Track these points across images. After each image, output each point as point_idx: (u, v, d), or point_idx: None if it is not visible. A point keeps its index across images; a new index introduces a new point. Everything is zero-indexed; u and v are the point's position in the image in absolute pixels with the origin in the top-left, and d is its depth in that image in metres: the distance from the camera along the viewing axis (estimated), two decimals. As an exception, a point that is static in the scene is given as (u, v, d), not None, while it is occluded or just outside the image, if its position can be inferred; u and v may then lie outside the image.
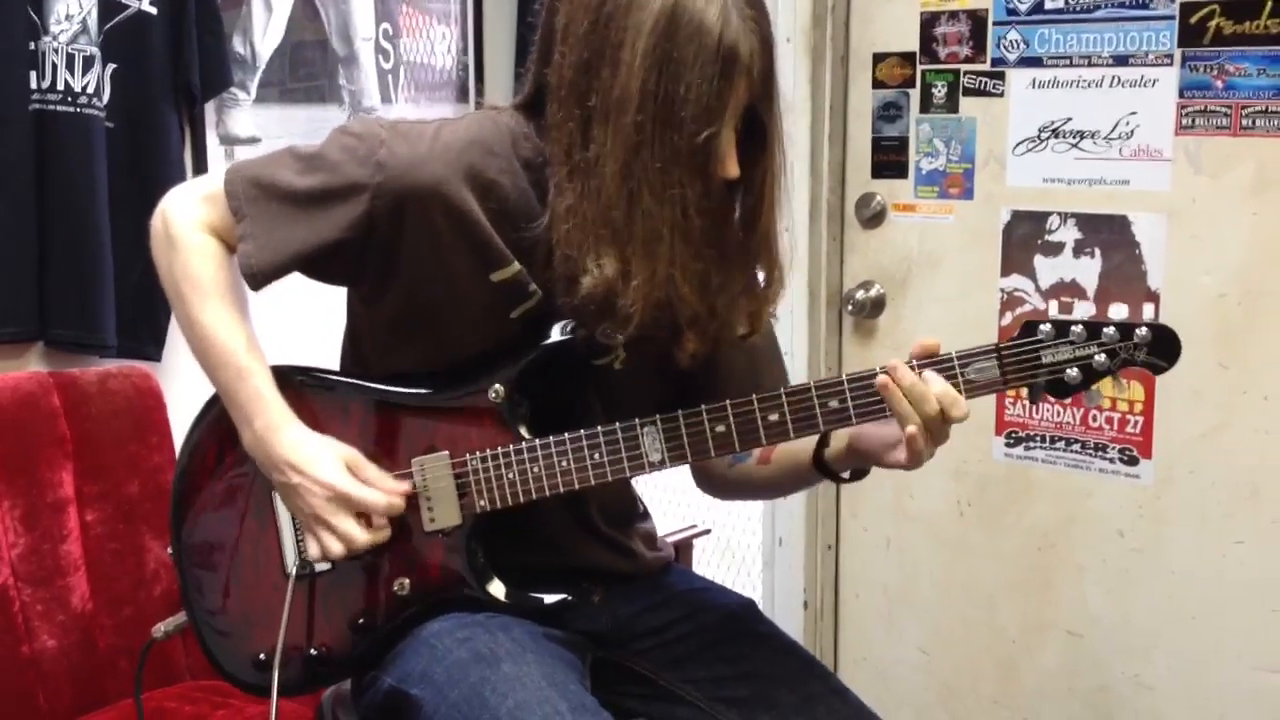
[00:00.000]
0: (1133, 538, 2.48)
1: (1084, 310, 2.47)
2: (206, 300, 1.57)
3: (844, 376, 1.52)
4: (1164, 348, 1.50)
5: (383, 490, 1.55)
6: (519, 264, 1.55)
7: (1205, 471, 2.39)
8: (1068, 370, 1.50)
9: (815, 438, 1.63)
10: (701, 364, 1.59)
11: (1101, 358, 1.50)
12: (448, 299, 1.56)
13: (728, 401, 1.53)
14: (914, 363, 1.51)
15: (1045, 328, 1.50)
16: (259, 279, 1.56)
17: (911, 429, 1.49)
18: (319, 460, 1.54)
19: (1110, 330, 1.49)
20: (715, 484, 1.80)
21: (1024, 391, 1.55)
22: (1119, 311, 2.41)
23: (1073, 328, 1.50)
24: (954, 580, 2.70)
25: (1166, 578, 2.45)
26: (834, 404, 1.52)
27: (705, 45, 1.41)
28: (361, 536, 1.55)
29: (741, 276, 1.56)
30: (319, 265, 1.57)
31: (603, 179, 1.44)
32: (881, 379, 1.50)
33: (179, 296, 1.59)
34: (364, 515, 1.55)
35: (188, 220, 1.58)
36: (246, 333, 1.58)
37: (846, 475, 1.67)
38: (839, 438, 1.63)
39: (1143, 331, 1.49)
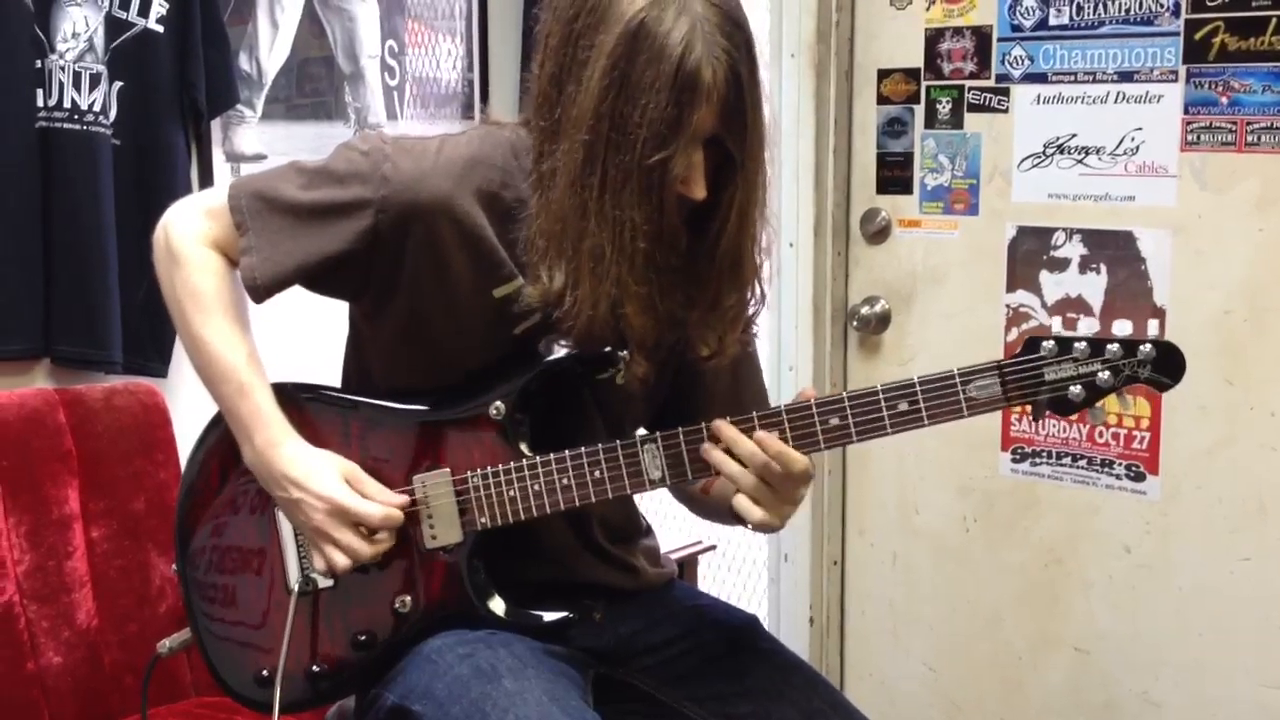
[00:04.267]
0: (1139, 554, 2.47)
1: (1089, 326, 2.46)
2: (208, 315, 1.57)
3: (844, 394, 1.52)
4: (1168, 365, 1.48)
5: (381, 503, 1.56)
6: (522, 278, 1.55)
7: (1212, 487, 2.39)
8: (1071, 387, 1.49)
9: None
10: (688, 382, 1.60)
11: (1105, 375, 1.48)
12: (450, 314, 1.56)
13: (728, 419, 1.53)
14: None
15: (1048, 344, 1.49)
16: (261, 292, 1.56)
17: (740, 496, 1.51)
18: (318, 474, 1.55)
19: (1114, 347, 1.48)
20: (679, 494, 1.80)
21: (1028, 408, 1.55)
22: (1124, 328, 2.41)
23: (1076, 344, 1.48)
24: (960, 596, 2.69)
25: (1174, 594, 2.44)
26: (835, 421, 1.52)
27: (663, 70, 1.40)
28: (364, 549, 1.55)
29: (704, 299, 1.55)
30: (322, 278, 1.57)
31: (558, 192, 1.46)
32: (704, 446, 1.51)
33: (181, 311, 1.59)
34: (365, 528, 1.56)
35: (190, 234, 1.59)
36: (248, 348, 1.59)
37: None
38: None
39: (1146, 348, 1.48)
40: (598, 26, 1.42)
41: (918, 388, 1.50)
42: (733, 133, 1.46)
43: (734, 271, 1.54)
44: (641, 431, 1.65)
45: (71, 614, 2.16)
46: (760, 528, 1.54)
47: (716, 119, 1.44)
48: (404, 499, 1.58)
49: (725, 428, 1.51)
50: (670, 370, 1.67)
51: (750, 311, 1.60)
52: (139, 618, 2.23)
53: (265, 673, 1.63)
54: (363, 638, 1.61)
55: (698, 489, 1.72)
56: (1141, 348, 1.48)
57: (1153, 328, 2.39)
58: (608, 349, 1.55)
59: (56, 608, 2.14)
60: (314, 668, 1.62)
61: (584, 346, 1.53)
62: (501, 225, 1.54)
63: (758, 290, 1.59)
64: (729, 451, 1.51)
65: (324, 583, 1.62)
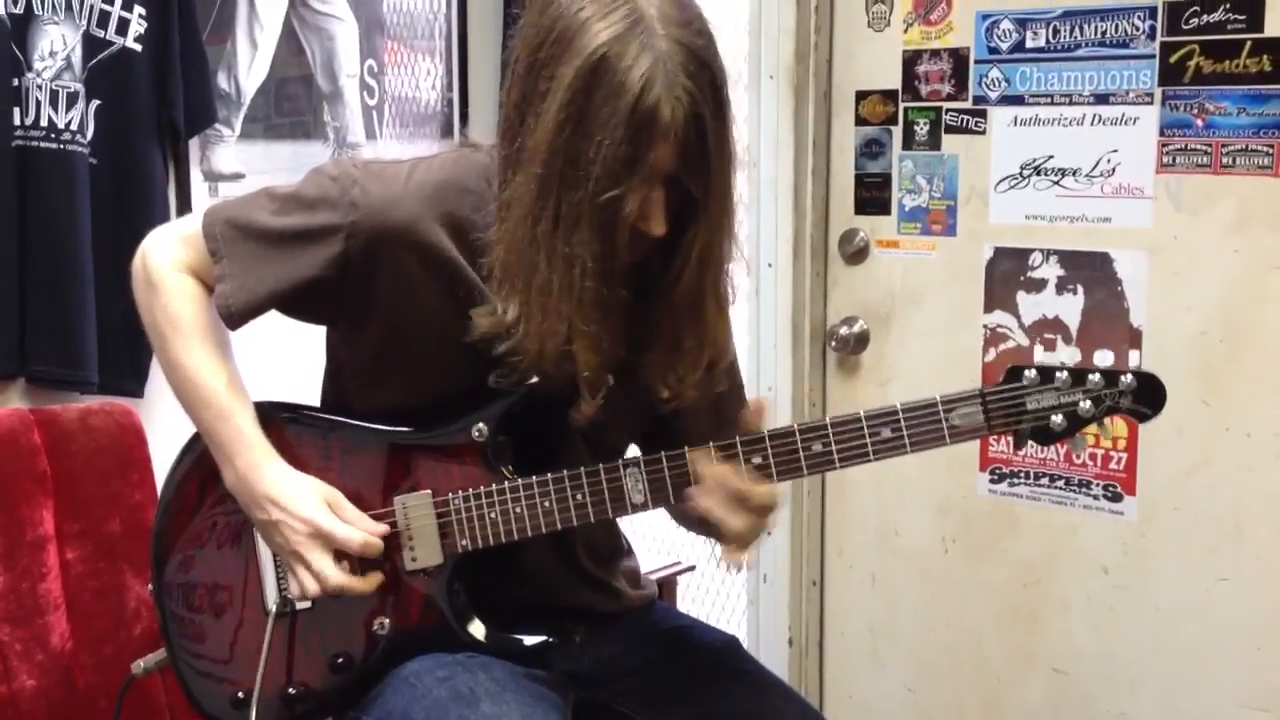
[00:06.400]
0: (1117, 574, 2.48)
1: (1067, 348, 2.47)
2: (188, 341, 1.58)
3: (828, 420, 1.52)
4: (1149, 396, 1.50)
5: (361, 529, 1.55)
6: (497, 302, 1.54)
7: (1189, 508, 2.39)
8: (1053, 417, 1.50)
9: None
10: (669, 410, 1.59)
11: (1086, 404, 1.49)
12: (427, 337, 1.56)
13: (711, 445, 1.53)
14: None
15: (1030, 373, 1.50)
16: (236, 319, 1.57)
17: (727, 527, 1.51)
18: (300, 497, 1.54)
19: (1095, 377, 1.50)
20: (686, 519, 1.78)
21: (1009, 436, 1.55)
22: (1103, 352, 2.43)
23: (1058, 374, 1.50)
24: (939, 617, 2.69)
25: (1151, 614, 2.45)
26: (818, 447, 1.52)
27: (620, 107, 1.36)
28: (334, 576, 1.54)
29: (662, 340, 1.53)
30: (295, 304, 1.57)
31: (512, 224, 1.44)
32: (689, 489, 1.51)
33: (160, 338, 1.60)
34: (343, 555, 1.55)
35: (167, 261, 1.60)
36: (228, 372, 1.58)
37: None
38: None
39: (1128, 379, 1.49)
40: (560, 58, 1.39)
41: (900, 415, 1.51)
42: (694, 173, 1.43)
43: (693, 312, 1.51)
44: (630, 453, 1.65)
45: (46, 636, 2.14)
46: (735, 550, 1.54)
47: (676, 158, 1.41)
48: (384, 528, 1.57)
49: (699, 458, 1.51)
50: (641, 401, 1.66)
51: (714, 354, 1.56)
52: (114, 640, 2.21)
53: (241, 695, 1.62)
54: (340, 660, 1.60)
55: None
56: (1123, 378, 1.49)
57: (1132, 356, 2.40)
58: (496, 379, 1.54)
59: (31, 630, 2.12)
60: (290, 690, 1.61)
61: (541, 380, 1.51)
62: (470, 249, 1.53)
63: (724, 331, 1.57)
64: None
65: (301, 604, 1.61)
